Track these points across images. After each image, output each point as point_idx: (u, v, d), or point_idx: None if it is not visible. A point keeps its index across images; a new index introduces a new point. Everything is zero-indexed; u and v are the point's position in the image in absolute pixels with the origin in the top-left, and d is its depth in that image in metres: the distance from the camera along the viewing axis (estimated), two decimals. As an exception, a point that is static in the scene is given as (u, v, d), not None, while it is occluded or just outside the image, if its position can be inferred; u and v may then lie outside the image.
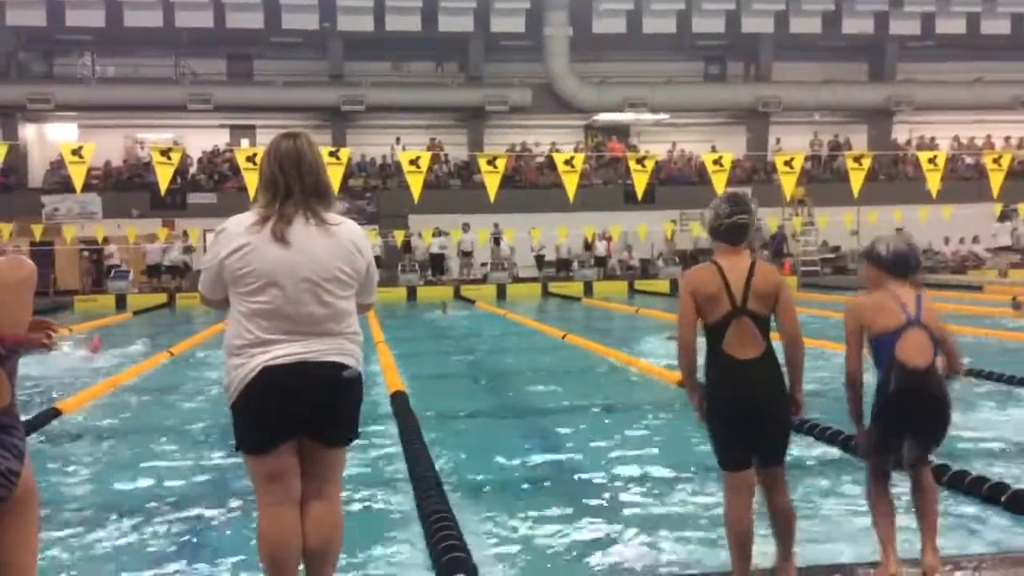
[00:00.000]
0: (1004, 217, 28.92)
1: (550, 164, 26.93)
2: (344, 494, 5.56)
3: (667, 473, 6.21)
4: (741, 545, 3.68)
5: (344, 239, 3.40)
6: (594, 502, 5.61)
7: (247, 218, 3.38)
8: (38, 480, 2.82)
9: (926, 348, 3.87)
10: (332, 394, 3.34)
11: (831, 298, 19.85)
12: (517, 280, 28.57)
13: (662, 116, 34.32)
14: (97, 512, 5.60)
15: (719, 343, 3.69)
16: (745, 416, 3.64)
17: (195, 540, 5.08)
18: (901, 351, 3.83)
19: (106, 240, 27.54)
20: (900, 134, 35.42)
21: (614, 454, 6.77)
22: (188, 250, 27.40)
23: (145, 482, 6.29)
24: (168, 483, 6.25)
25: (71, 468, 6.76)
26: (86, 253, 27.98)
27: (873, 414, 3.89)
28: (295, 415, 3.29)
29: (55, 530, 5.07)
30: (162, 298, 26.05)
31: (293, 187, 3.35)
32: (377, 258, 27.71)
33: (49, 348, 2.92)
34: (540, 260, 29.85)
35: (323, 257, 3.33)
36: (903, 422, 3.84)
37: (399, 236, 28.41)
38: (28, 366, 11.28)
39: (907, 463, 3.91)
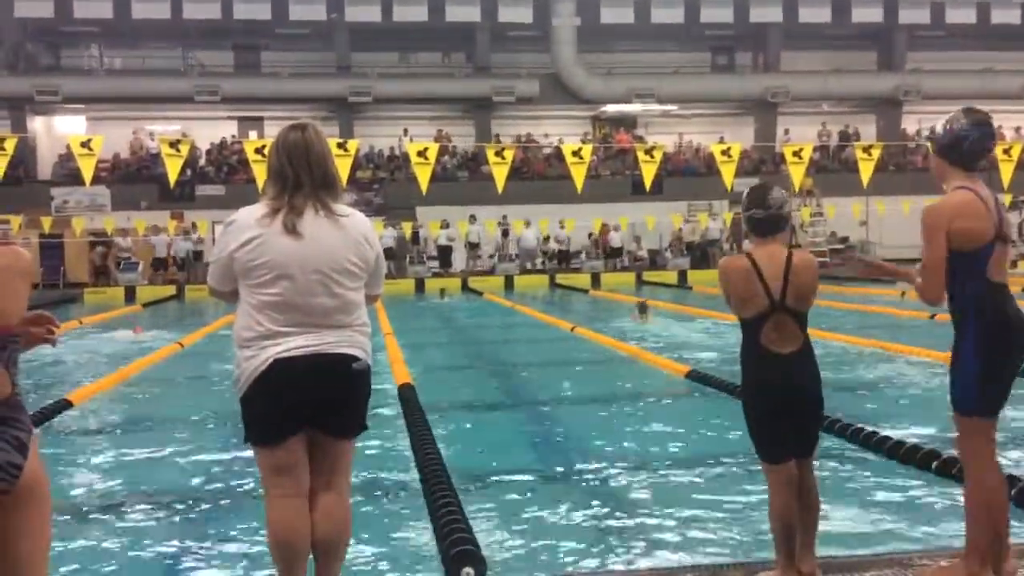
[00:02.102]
0: (1013, 207, 28.77)
1: (558, 155, 26.90)
2: (352, 487, 5.59)
3: (678, 465, 6.20)
4: (787, 537, 3.66)
5: (354, 230, 3.39)
6: (604, 494, 5.61)
7: (257, 210, 3.36)
8: (49, 472, 2.82)
9: (1006, 265, 3.46)
10: (343, 386, 3.34)
11: (840, 289, 19.80)
12: (525, 272, 28.57)
13: (670, 107, 34.24)
14: (107, 503, 5.63)
15: (756, 337, 3.63)
16: (783, 410, 3.60)
17: (205, 532, 5.09)
18: (990, 271, 3.41)
19: (121, 231, 27.59)
20: (909, 124, 35.26)
21: (624, 446, 6.76)
22: (197, 242, 27.42)
23: (154, 474, 6.31)
24: (178, 475, 6.27)
25: (81, 460, 6.78)
26: (99, 248, 28.05)
27: (971, 353, 3.45)
28: (305, 407, 3.29)
29: (64, 522, 5.09)
30: (171, 290, 26.12)
31: (302, 179, 3.34)
32: (389, 249, 28.16)
33: (52, 343, 2.92)
34: (554, 252, 29.85)
35: (334, 248, 3.32)
36: (1009, 363, 3.43)
37: (407, 228, 28.43)
38: (45, 356, 11.35)
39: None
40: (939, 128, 3.51)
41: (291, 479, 3.34)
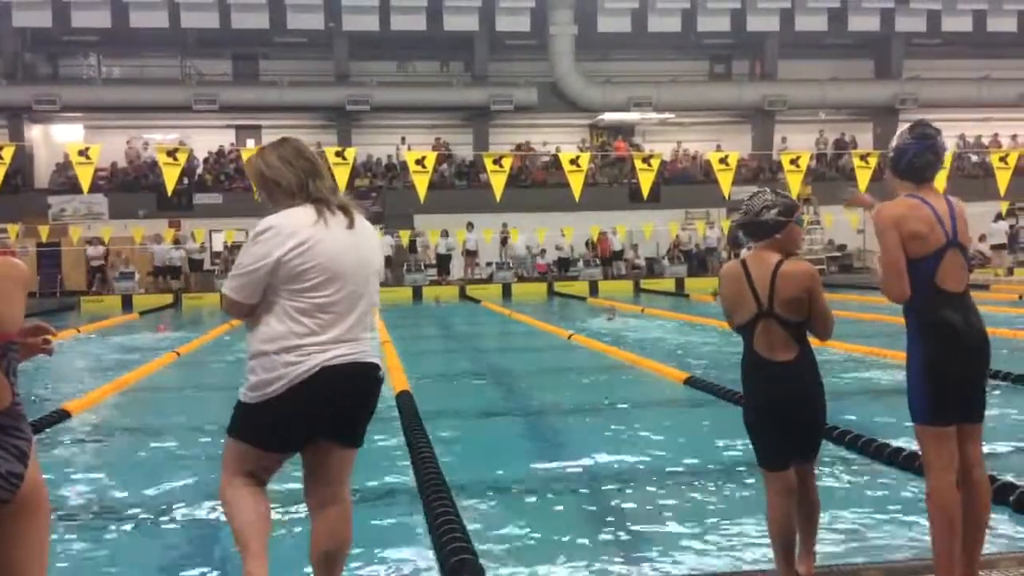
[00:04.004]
0: (1009, 214, 28.87)
1: (556, 163, 26.96)
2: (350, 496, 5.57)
3: (677, 472, 6.19)
4: (785, 544, 3.65)
5: (374, 235, 3.48)
6: (603, 502, 5.60)
7: (299, 214, 3.29)
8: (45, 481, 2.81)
9: (964, 274, 3.50)
10: (370, 395, 3.42)
11: (838, 297, 19.80)
12: (522, 280, 28.59)
13: (667, 115, 34.30)
14: (103, 513, 5.61)
15: (750, 344, 3.66)
16: (778, 417, 3.60)
17: (202, 541, 5.08)
18: (942, 278, 3.47)
19: (94, 240, 27.47)
20: (906, 132, 35.29)
21: (623, 453, 6.75)
22: (200, 250, 27.45)
23: (151, 483, 6.28)
24: (174, 484, 6.24)
25: (77, 469, 6.76)
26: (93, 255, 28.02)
27: (916, 362, 3.51)
28: (336, 415, 3.31)
29: (60, 532, 5.08)
30: (168, 299, 26.10)
31: (321, 188, 3.38)
32: (387, 257, 28.19)
33: (49, 353, 2.91)
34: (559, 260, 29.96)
35: (370, 246, 3.42)
36: (955, 374, 3.46)
37: (404, 236, 28.45)
38: (42, 365, 11.33)
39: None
40: (891, 144, 3.66)
41: (262, 480, 3.40)
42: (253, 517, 3.31)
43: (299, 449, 3.37)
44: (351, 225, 3.32)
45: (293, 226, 3.26)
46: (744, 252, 3.81)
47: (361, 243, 3.36)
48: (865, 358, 11.14)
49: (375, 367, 3.40)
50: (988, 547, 4.09)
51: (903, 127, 3.72)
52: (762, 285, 3.60)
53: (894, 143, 3.64)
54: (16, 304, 2.65)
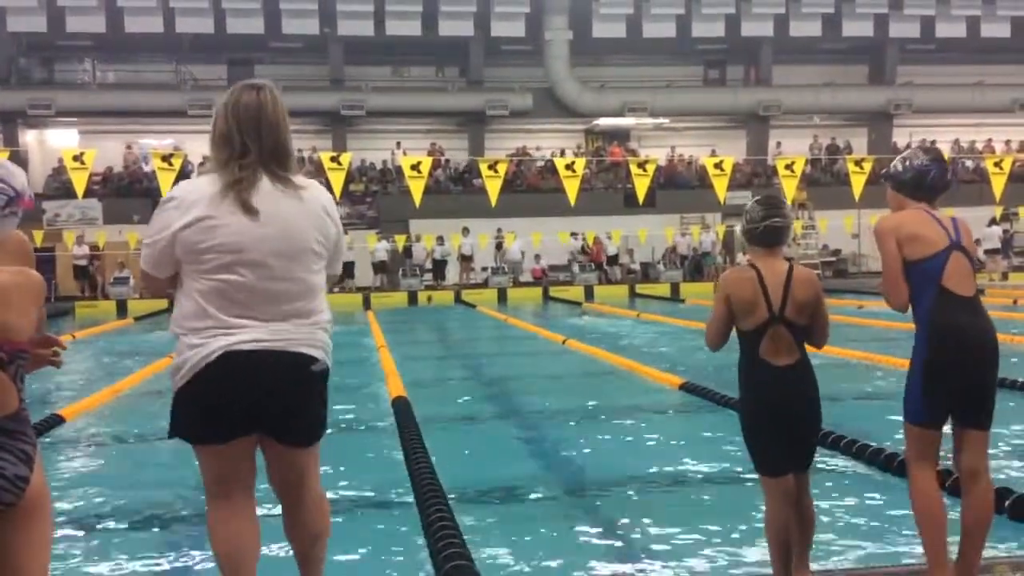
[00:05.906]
0: (1004, 219, 28.95)
1: (551, 169, 27.01)
2: (345, 501, 5.57)
3: (672, 478, 6.20)
4: (782, 550, 3.66)
5: (314, 203, 3.09)
6: (599, 508, 5.60)
7: (204, 184, 2.99)
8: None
9: (971, 278, 3.56)
10: (300, 390, 3.04)
11: (833, 302, 19.84)
12: (518, 284, 28.60)
13: (662, 120, 34.37)
14: (99, 519, 5.60)
15: (755, 349, 3.64)
16: (779, 422, 3.61)
17: (199, 546, 5.07)
18: (948, 279, 3.52)
19: (78, 240, 27.39)
20: (900, 137, 35.42)
21: (618, 459, 6.76)
22: None
23: (148, 488, 6.27)
24: (169, 490, 6.22)
25: (72, 475, 6.74)
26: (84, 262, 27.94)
27: (919, 363, 3.57)
28: (256, 409, 2.99)
29: (55, 538, 5.06)
30: (163, 304, 26.02)
31: (250, 146, 3.00)
32: (382, 262, 28.09)
33: (57, 365, 2.92)
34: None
35: (295, 225, 3.01)
36: (956, 376, 3.51)
37: (400, 241, 28.46)
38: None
39: (956, 439, 3.55)
40: (898, 166, 3.69)
41: (234, 488, 3.11)
42: (228, 548, 3.10)
43: (226, 441, 3.03)
44: (247, 204, 2.95)
45: (194, 197, 2.97)
46: (741, 258, 3.82)
47: (289, 218, 3.01)
48: (859, 363, 11.15)
49: (306, 358, 3.03)
50: (983, 552, 4.10)
51: (910, 149, 3.78)
52: (775, 290, 3.61)
53: (907, 165, 3.67)
54: (27, 313, 2.67)
